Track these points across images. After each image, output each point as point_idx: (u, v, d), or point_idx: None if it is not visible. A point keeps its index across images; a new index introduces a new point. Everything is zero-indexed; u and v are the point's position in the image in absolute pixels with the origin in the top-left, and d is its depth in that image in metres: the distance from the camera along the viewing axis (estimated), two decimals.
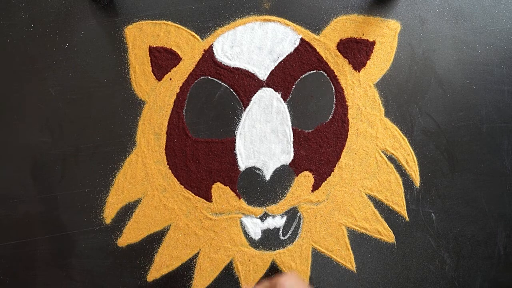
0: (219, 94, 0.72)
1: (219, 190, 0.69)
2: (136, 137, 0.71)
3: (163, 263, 0.67)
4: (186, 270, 0.67)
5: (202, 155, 0.70)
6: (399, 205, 0.69)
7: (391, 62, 0.73)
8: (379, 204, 0.69)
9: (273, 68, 0.72)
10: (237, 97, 0.72)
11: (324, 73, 0.73)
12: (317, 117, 0.72)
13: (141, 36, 0.73)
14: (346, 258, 0.68)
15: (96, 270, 0.67)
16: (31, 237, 0.68)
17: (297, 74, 0.72)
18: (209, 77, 0.72)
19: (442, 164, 0.71)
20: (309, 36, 0.73)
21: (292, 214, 0.69)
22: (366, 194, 0.70)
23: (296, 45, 0.73)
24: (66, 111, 0.71)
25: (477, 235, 0.69)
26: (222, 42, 0.73)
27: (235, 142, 0.70)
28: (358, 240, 0.68)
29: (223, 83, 0.72)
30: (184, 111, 0.71)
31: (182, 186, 0.69)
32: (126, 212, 0.69)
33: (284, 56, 0.73)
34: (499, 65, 0.73)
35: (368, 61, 0.73)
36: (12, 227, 0.69)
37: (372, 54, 0.73)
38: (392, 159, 0.70)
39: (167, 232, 0.68)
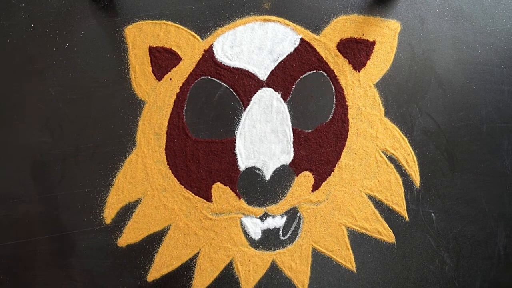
0: (219, 94, 0.72)
1: (219, 190, 0.69)
2: (136, 137, 0.71)
3: (163, 263, 0.67)
4: (186, 270, 0.67)
5: (202, 155, 0.70)
6: (399, 205, 0.69)
7: (391, 62, 0.73)
8: (379, 204, 0.69)
9: (273, 68, 0.72)
10: (237, 97, 0.72)
11: (324, 73, 0.73)
12: (317, 117, 0.72)
13: (141, 36, 0.73)
14: (346, 258, 0.68)
15: (96, 270, 0.67)
16: (31, 237, 0.68)
17: (297, 74, 0.72)
18: (209, 77, 0.72)
19: (442, 164, 0.71)
20: (309, 36, 0.73)
21: (292, 214, 0.69)
22: (366, 194, 0.70)
23: (296, 45, 0.73)
24: (66, 111, 0.71)
25: (477, 235, 0.69)
26: (222, 42, 0.73)
27: (235, 142, 0.70)
28: (358, 240, 0.68)
29: (223, 83, 0.72)
30: (184, 111, 0.71)
31: (182, 186, 0.69)
32: (126, 212, 0.69)
33: (284, 56, 0.73)
34: (499, 65, 0.73)
35: (368, 61, 0.73)
36: (12, 227, 0.69)
37: (372, 54, 0.73)
38: (392, 159, 0.70)
39: (167, 232, 0.68)
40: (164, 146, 0.70)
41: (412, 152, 0.71)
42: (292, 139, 0.70)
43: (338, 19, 0.74)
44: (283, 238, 0.68)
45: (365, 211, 0.69)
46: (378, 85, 0.72)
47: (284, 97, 0.72)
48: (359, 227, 0.69)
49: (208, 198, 0.69)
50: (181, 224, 0.69)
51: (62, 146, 0.70)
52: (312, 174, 0.70)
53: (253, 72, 0.72)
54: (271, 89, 0.72)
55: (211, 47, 0.73)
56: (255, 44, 0.73)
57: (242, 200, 0.69)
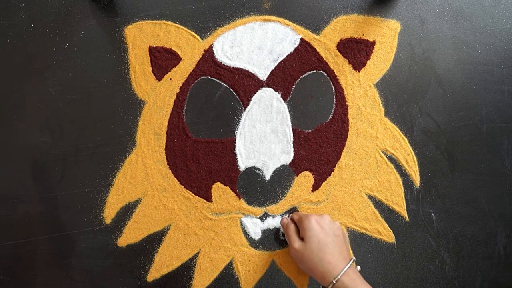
0: (219, 94, 0.72)
1: (219, 190, 0.69)
2: (136, 137, 0.71)
3: (163, 263, 0.67)
4: (186, 270, 0.67)
5: (202, 155, 0.70)
6: (399, 205, 0.69)
7: (391, 62, 0.73)
8: (379, 204, 0.69)
9: (273, 68, 0.72)
10: (237, 97, 0.72)
11: (324, 73, 0.73)
12: (317, 117, 0.72)
13: (141, 36, 0.73)
14: None
15: (96, 270, 0.68)
16: (31, 237, 0.68)
17: (297, 74, 0.72)
18: (209, 77, 0.72)
19: (442, 164, 0.71)
20: (309, 36, 0.73)
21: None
22: (366, 194, 0.70)
23: (296, 45, 0.73)
24: (66, 111, 0.71)
25: (477, 235, 0.69)
26: (222, 42, 0.73)
27: (235, 142, 0.70)
28: (358, 240, 0.68)
29: (223, 83, 0.72)
30: (184, 111, 0.71)
31: (182, 186, 0.69)
32: (126, 212, 0.69)
33: (284, 56, 0.73)
34: (499, 65, 0.73)
35: (368, 61, 0.73)
36: (12, 227, 0.69)
37: (372, 54, 0.73)
38: (392, 159, 0.70)
39: (167, 232, 0.68)
40: (164, 146, 0.70)
41: (412, 152, 0.71)
42: (292, 139, 0.71)
43: (338, 19, 0.74)
44: (283, 238, 0.68)
45: (365, 211, 0.69)
46: (378, 85, 0.72)
47: (284, 97, 0.72)
48: (359, 227, 0.69)
49: (208, 198, 0.69)
50: (181, 224, 0.69)
51: (62, 146, 0.70)
52: (312, 174, 0.70)
53: (253, 72, 0.72)
54: (271, 89, 0.72)
55: (211, 47, 0.73)
56: (255, 44, 0.73)
57: (242, 200, 0.69)
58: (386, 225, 0.69)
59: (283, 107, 0.71)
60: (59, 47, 0.73)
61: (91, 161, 0.70)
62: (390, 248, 0.69)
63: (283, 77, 0.72)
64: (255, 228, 0.69)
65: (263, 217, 0.69)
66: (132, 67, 0.72)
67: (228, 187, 0.69)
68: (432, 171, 0.70)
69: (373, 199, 0.70)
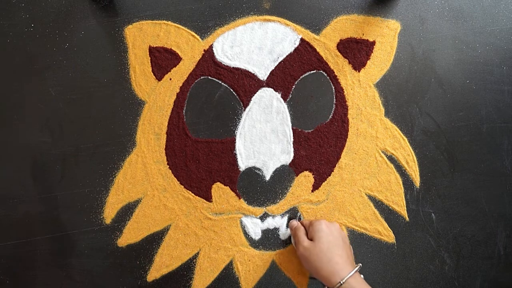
0: (219, 94, 0.72)
1: (219, 190, 0.69)
2: (136, 137, 0.71)
3: (163, 263, 0.67)
4: (186, 270, 0.67)
5: (202, 155, 0.70)
6: (399, 205, 0.69)
7: (391, 62, 0.73)
8: (379, 204, 0.69)
9: (273, 68, 0.72)
10: (237, 97, 0.72)
11: (324, 73, 0.73)
12: (317, 117, 0.72)
13: (141, 36, 0.73)
14: None
15: (96, 270, 0.68)
16: (31, 237, 0.68)
17: (297, 74, 0.72)
18: (209, 77, 0.72)
19: (442, 164, 0.71)
20: (309, 36, 0.73)
21: (292, 214, 0.69)
22: (366, 194, 0.70)
23: (296, 45, 0.73)
24: (66, 111, 0.71)
25: (477, 235, 0.69)
26: (222, 42, 0.73)
27: (235, 142, 0.70)
28: (358, 240, 0.68)
29: (223, 83, 0.72)
30: (184, 111, 0.71)
31: (182, 186, 0.69)
32: (126, 212, 0.69)
33: (284, 56, 0.73)
34: (499, 65, 0.73)
35: (368, 61, 0.73)
36: (12, 227, 0.69)
37: (372, 54, 0.73)
38: (392, 159, 0.70)
39: (167, 232, 0.68)
40: (164, 146, 0.70)
41: (412, 152, 0.71)
42: (292, 139, 0.71)
43: (338, 19, 0.74)
44: (283, 239, 0.68)
45: (365, 211, 0.69)
46: (378, 85, 0.72)
47: (284, 97, 0.72)
48: (359, 227, 0.69)
49: (208, 198, 0.69)
50: (181, 224, 0.69)
51: (62, 146, 0.70)
52: (312, 174, 0.70)
53: (253, 72, 0.72)
54: (271, 89, 0.72)
55: (211, 47, 0.73)
56: (255, 44, 0.73)
57: (242, 200, 0.69)
58: (386, 225, 0.69)
59: (283, 107, 0.71)
60: (59, 47, 0.73)
61: (91, 161, 0.70)
62: (390, 248, 0.69)
63: (283, 77, 0.72)
64: (255, 228, 0.69)
65: (263, 217, 0.69)
66: (132, 67, 0.72)
67: (228, 187, 0.69)
68: (432, 171, 0.70)
69: (373, 199, 0.70)
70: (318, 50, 0.73)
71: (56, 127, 0.71)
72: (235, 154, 0.70)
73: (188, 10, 0.74)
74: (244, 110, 0.71)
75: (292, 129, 0.71)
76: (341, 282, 0.54)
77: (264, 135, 0.71)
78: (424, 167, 0.70)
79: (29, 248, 0.68)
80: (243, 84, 0.72)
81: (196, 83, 0.72)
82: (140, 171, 0.70)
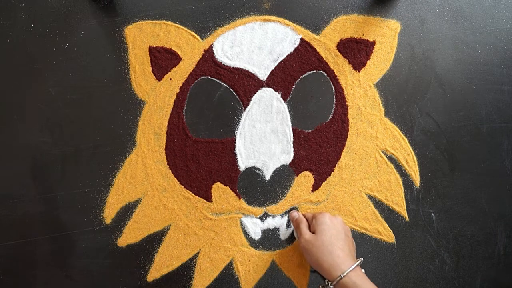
0: (219, 94, 0.72)
1: (219, 190, 0.69)
2: (136, 137, 0.71)
3: (163, 263, 0.67)
4: (186, 270, 0.67)
5: (202, 155, 0.70)
6: (399, 205, 0.69)
7: (391, 62, 0.73)
8: (379, 204, 0.69)
9: (273, 68, 0.72)
10: (237, 97, 0.72)
11: (324, 73, 0.73)
12: (317, 117, 0.72)
13: (141, 36, 0.73)
14: None
15: (96, 270, 0.67)
16: (31, 237, 0.68)
17: (297, 74, 0.72)
18: (209, 77, 0.72)
19: (442, 164, 0.71)
20: (309, 36, 0.73)
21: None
22: (366, 194, 0.70)
23: (296, 45, 0.73)
24: (66, 111, 0.71)
25: (477, 235, 0.69)
26: (222, 42, 0.73)
27: (235, 142, 0.70)
28: (358, 240, 0.68)
29: (223, 83, 0.72)
30: (184, 111, 0.71)
31: (182, 186, 0.69)
32: (126, 212, 0.69)
33: (284, 56, 0.73)
34: (499, 65, 0.73)
35: (368, 61, 0.73)
36: (12, 227, 0.69)
37: (372, 54, 0.73)
38: (392, 159, 0.70)
39: (167, 232, 0.68)
40: (164, 146, 0.70)
41: (412, 152, 0.71)
42: (292, 139, 0.71)
43: (338, 19, 0.74)
44: (283, 238, 0.68)
45: (365, 211, 0.69)
46: (378, 85, 0.72)
47: (284, 97, 0.72)
48: (359, 227, 0.69)
49: (208, 198, 0.69)
50: (181, 224, 0.69)
51: (62, 146, 0.70)
52: (312, 174, 0.70)
53: (253, 72, 0.72)
54: (271, 89, 0.72)
55: (211, 47, 0.73)
56: (255, 44, 0.73)
57: (242, 200, 0.69)
58: (386, 225, 0.69)
59: (283, 107, 0.71)
60: (59, 47, 0.73)
61: (91, 161, 0.70)
62: (390, 248, 0.68)
63: (283, 77, 0.72)
64: (255, 228, 0.69)
65: (263, 217, 0.69)
66: (132, 67, 0.72)
67: (228, 187, 0.69)
68: (432, 171, 0.70)
69: (373, 199, 0.70)
70: (318, 50, 0.73)
71: (56, 127, 0.71)
72: (235, 154, 0.70)
73: (188, 10, 0.74)
74: (244, 110, 0.71)
75: (292, 129, 0.71)
76: (342, 276, 0.54)
77: (264, 135, 0.71)
78: (424, 167, 0.70)
79: (29, 248, 0.68)
80: (243, 84, 0.72)
81: (196, 83, 0.72)
82: (140, 171, 0.70)
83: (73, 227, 0.68)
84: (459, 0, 0.75)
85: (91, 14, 0.74)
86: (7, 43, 0.73)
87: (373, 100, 0.72)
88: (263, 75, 0.72)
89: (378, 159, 0.70)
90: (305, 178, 0.70)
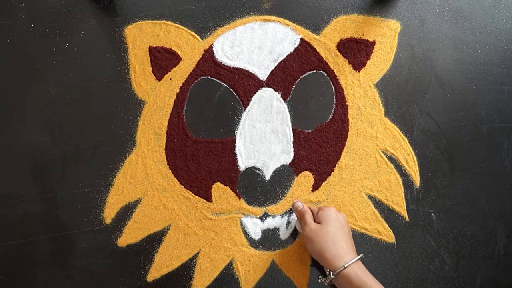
0: (219, 94, 0.72)
1: (219, 190, 0.69)
2: (136, 137, 0.71)
3: (163, 263, 0.67)
4: (186, 270, 0.67)
5: (202, 155, 0.70)
6: (399, 205, 0.69)
7: (391, 62, 0.73)
8: (379, 204, 0.69)
9: (273, 68, 0.72)
10: (237, 97, 0.72)
11: (324, 73, 0.73)
12: (317, 117, 0.72)
13: (141, 36, 0.73)
14: None
15: (96, 270, 0.67)
16: (31, 237, 0.68)
17: (297, 74, 0.72)
18: (209, 77, 0.72)
19: (442, 164, 0.71)
20: (309, 36, 0.73)
21: (292, 214, 0.69)
22: (366, 194, 0.70)
23: (296, 45, 0.73)
24: (66, 111, 0.71)
25: (477, 235, 0.69)
26: (222, 42, 0.73)
27: (235, 142, 0.70)
28: (358, 240, 0.68)
29: (223, 83, 0.72)
30: (184, 111, 0.71)
31: (182, 186, 0.69)
32: (126, 212, 0.69)
33: (284, 56, 0.73)
34: (499, 65, 0.73)
35: (368, 61, 0.73)
36: (12, 227, 0.69)
37: (372, 54, 0.73)
38: (392, 159, 0.70)
39: (167, 232, 0.68)
40: (164, 146, 0.70)
41: (412, 152, 0.71)
42: (292, 139, 0.71)
43: (338, 19, 0.74)
44: (283, 238, 0.68)
45: (365, 211, 0.69)
46: (378, 85, 0.72)
47: (284, 97, 0.72)
48: (359, 227, 0.69)
49: (208, 198, 0.69)
50: (181, 224, 0.69)
51: (62, 146, 0.70)
52: (312, 174, 0.70)
53: (253, 72, 0.72)
54: (271, 89, 0.72)
55: (211, 47, 0.73)
56: (255, 44, 0.73)
57: (242, 200, 0.69)
58: (386, 225, 0.69)
59: (283, 107, 0.71)
60: (59, 47, 0.73)
61: (91, 161, 0.70)
62: (390, 248, 0.68)
63: (283, 77, 0.72)
64: (255, 228, 0.69)
65: (263, 217, 0.69)
66: (132, 67, 0.72)
67: (228, 187, 0.69)
68: (432, 171, 0.70)
69: (373, 199, 0.70)
70: (318, 50, 0.73)
71: (56, 127, 0.71)
72: (235, 154, 0.70)
73: (188, 10, 0.74)
74: (244, 110, 0.71)
75: (292, 129, 0.71)
76: (345, 266, 0.54)
77: (264, 135, 0.71)
78: (424, 167, 0.70)
79: (29, 248, 0.68)
80: (243, 84, 0.72)
81: (196, 83, 0.72)
82: (140, 171, 0.70)
83: (73, 227, 0.68)
84: (459, 0, 0.75)
85: (91, 14, 0.74)
86: (7, 43, 0.73)
87: (373, 100, 0.72)
88: (263, 75, 0.72)
89: (378, 159, 0.70)
90: (305, 178, 0.70)
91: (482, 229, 0.69)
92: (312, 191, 0.70)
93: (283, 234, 0.69)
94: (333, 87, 0.72)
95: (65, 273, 0.68)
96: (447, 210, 0.70)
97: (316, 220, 0.62)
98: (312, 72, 0.73)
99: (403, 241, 0.69)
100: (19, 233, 0.68)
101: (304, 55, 0.73)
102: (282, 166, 0.70)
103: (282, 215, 0.69)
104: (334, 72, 0.72)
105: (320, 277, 0.60)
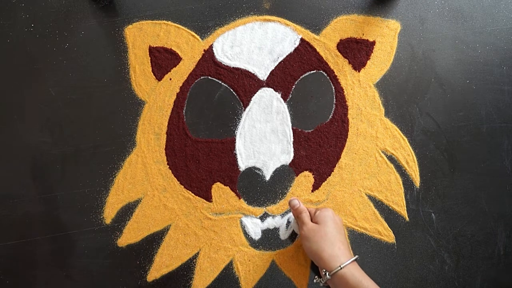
0: (219, 94, 0.72)
1: (219, 190, 0.69)
2: (136, 137, 0.71)
3: (163, 263, 0.67)
4: (186, 270, 0.67)
5: (202, 155, 0.70)
6: (399, 205, 0.69)
7: (391, 62, 0.73)
8: (379, 204, 0.69)
9: (273, 68, 0.72)
10: (237, 97, 0.72)
11: (324, 73, 0.73)
12: (317, 117, 0.72)
13: (141, 36, 0.73)
14: None
15: (96, 270, 0.67)
16: (31, 237, 0.68)
17: (297, 74, 0.72)
18: (209, 77, 0.72)
19: (442, 164, 0.71)
20: (309, 36, 0.73)
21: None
22: (366, 194, 0.70)
23: (296, 45, 0.73)
24: (66, 111, 0.71)
25: (477, 235, 0.69)
26: (222, 42, 0.73)
27: (235, 142, 0.70)
28: (358, 240, 0.68)
29: (223, 83, 0.72)
30: (184, 111, 0.71)
31: (182, 186, 0.69)
32: (126, 212, 0.69)
33: (284, 56, 0.73)
34: (499, 65, 0.73)
35: (368, 61, 0.73)
36: (12, 227, 0.69)
37: (372, 54, 0.73)
38: (392, 159, 0.70)
39: (167, 232, 0.68)
40: (164, 146, 0.70)
41: (412, 152, 0.71)
42: (292, 139, 0.71)
43: (338, 19, 0.74)
44: (283, 238, 0.68)
45: (365, 211, 0.69)
46: (378, 85, 0.72)
47: (284, 97, 0.72)
48: (359, 227, 0.69)
49: (208, 198, 0.69)
50: (181, 224, 0.69)
51: (62, 146, 0.70)
52: (312, 174, 0.70)
53: (253, 72, 0.72)
54: (271, 89, 0.72)
55: (211, 47, 0.73)
56: (255, 44, 0.73)
57: (242, 200, 0.69)
58: (386, 225, 0.69)
59: (283, 107, 0.71)
60: (59, 47, 0.73)
61: (91, 161, 0.70)
62: (390, 248, 0.68)
63: (283, 77, 0.72)
64: (255, 228, 0.69)
65: (263, 217, 0.69)
66: (132, 67, 0.72)
67: (228, 187, 0.69)
68: (432, 171, 0.70)
69: (373, 199, 0.70)
70: (318, 50, 0.73)
71: (56, 127, 0.71)
72: (235, 154, 0.70)
73: (188, 10, 0.74)
74: (244, 110, 0.71)
75: (292, 129, 0.71)
76: (341, 267, 0.54)
77: (264, 135, 0.71)
78: (424, 167, 0.70)
79: (29, 248, 0.68)
80: (243, 84, 0.72)
81: (196, 83, 0.72)
82: (140, 171, 0.70)
83: (73, 227, 0.68)
84: (459, 0, 0.75)
85: (91, 14, 0.74)
86: (7, 43, 0.73)
87: (373, 100, 0.72)
88: (263, 75, 0.72)
89: (378, 159, 0.70)
90: (305, 178, 0.70)
91: (482, 229, 0.69)
92: (312, 191, 0.70)
93: (283, 234, 0.69)
94: (333, 87, 0.72)
95: (65, 273, 0.68)
96: (447, 210, 0.70)
97: (313, 220, 0.62)
98: (312, 72, 0.73)
99: (403, 241, 0.69)
100: (19, 233, 0.68)
101: (304, 55, 0.73)
102: (282, 166, 0.70)
103: (282, 215, 0.69)
104: (334, 72, 0.72)
105: (315, 277, 0.60)
